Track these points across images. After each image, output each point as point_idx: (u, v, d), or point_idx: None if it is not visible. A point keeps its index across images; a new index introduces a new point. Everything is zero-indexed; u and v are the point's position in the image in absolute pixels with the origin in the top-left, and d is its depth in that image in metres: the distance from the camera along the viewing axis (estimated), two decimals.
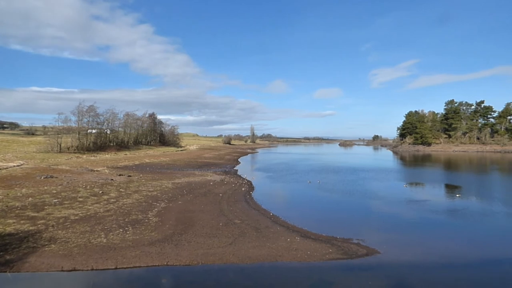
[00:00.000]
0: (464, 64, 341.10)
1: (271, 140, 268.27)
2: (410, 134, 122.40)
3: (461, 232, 15.68)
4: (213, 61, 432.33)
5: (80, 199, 19.05)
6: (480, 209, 20.54)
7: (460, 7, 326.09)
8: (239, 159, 66.65)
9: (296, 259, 11.50)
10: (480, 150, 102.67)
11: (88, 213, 16.22)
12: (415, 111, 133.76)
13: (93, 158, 48.37)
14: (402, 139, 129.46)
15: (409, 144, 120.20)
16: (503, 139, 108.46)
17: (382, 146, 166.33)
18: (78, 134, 57.56)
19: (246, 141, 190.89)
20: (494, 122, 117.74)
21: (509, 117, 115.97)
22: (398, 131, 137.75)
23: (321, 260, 11.50)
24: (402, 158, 77.01)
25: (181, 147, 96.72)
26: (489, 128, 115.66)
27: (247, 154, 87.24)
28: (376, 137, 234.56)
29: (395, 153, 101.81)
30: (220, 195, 23.26)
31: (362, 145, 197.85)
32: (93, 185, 23.65)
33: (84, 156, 49.68)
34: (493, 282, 10.04)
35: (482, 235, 15.34)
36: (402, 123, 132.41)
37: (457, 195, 25.25)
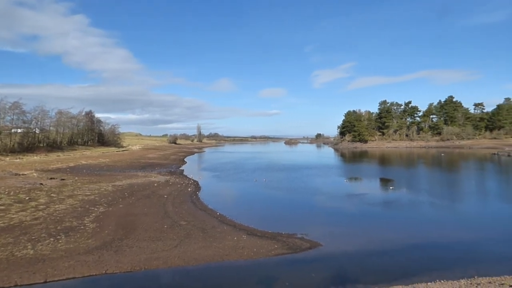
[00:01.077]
0: (395, 68, 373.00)
1: (218, 139, 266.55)
2: (349, 132, 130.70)
3: (394, 221, 17.14)
4: (156, 57, 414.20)
5: (1, 207, 16.91)
6: (409, 200, 22.67)
7: (391, 16, 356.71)
8: (185, 159, 65.07)
9: (243, 257, 11.54)
10: (409, 146, 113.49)
11: (12, 223, 14.46)
12: (353, 111, 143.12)
13: (18, 160, 43.31)
14: (342, 137, 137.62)
15: (348, 141, 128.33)
16: (427, 135, 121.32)
17: (324, 143, 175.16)
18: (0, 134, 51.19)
19: (192, 141, 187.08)
20: (420, 121, 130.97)
21: (431, 116, 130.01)
22: (339, 130, 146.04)
23: (267, 256, 11.69)
24: (342, 155, 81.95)
25: (122, 147, 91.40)
26: (415, 126, 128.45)
27: (193, 154, 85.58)
28: (319, 135, 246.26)
29: (336, 150, 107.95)
30: (165, 196, 22.44)
31: (306, 143, 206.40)
32: (18, 191, 21.16)
33: (7, 158, 44.26)
34: (420, 263, 11.11)
35: (411, 223, 16.91)
36: (342, 122, 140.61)
37: (391, 188, 27.57)
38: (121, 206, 19.07)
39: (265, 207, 21.32)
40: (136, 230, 14.33)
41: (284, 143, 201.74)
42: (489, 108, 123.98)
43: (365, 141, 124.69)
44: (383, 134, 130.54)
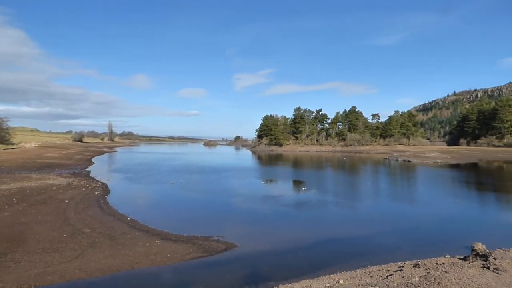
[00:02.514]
0: (309, 77, 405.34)
1: (132, 138, 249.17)
2: (266, 136, 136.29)
3: (305, 220, 18.36)
4: (60, 43, 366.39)
5: None
6: (318, 200, 24.60)
7: (308, 28, 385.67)
8: (92, 159, 59.02)
9: (156, 264, 10.91)
10: (318, 150, 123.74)
11: None
12: (271, 115, 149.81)
13: None
14: (259, 140, 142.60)
15: (266, 144, 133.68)
16: (334, 141, 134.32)
17: (242, 146, 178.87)
18: None
19: (102, 139, 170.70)
20: (328, 127, 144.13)
21: (338, 124, 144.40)
22: (257, 133, 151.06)
23: (181, 260, 11.29)
24: (260, 157, 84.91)
25: (12, 144, 78.19)
26: (324, 132, 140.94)
27: (103, 154, 78.22)
28: (237, 138, 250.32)
29: (253, 152, 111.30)
30: (66, 201, 19.91)
31: (225, 145, 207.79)
32: None
33: None
34: (325, 257, 12.10)
35: (319, 221, 18.36)
36: (260, 126, 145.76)
37: (303, 189, 29.55)
38: (7, 214, 16.22)
39: (182, 210, 20.66)
40: (27, 241, 12.34)
41: (203, 144, 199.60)
42: (383, 118, 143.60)
43: (281, 145, 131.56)
44: (297, 138, 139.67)
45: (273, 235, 14.94)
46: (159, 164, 53.86)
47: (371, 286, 6.94)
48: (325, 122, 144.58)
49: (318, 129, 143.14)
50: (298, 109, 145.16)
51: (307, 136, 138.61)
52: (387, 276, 7.75)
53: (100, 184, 28.12)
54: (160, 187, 28.97)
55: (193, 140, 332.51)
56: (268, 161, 73.31)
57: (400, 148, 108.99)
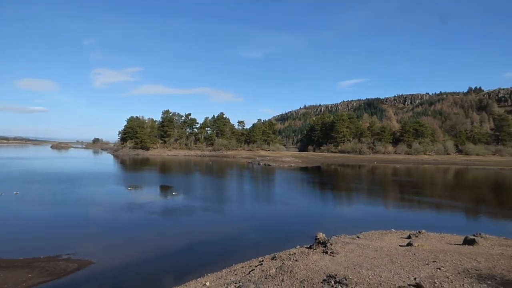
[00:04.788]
0: (180, 80, 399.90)
1: None
2: (131, 139, 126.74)
3: (173, 227, 17.91)
4: None
5: None
6: (187, 205, 24.45)
7: (177, 28, 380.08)
8: None
9: None
10: (187, 154, 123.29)
11: None
12: (137, 117, 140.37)
13: None
14: (123, 143, 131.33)
15: (130, 148, 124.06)
16: (202, 145, 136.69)
17: (102, 149, 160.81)
18: None
19: None
20: (197, 132, 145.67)
21: (207, 129, 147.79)
22: (120, 135, 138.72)
23: None
24: (123, 162, 78.13)
25: None
26: (193, 137, 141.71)
27: None
28: (96, 140, 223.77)
29: (116, 156, 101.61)
30: None
31: (80, 148, 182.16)
32: None
33: None
34: (193, 262, 12.12)
35: (188, 226, 18.26)
36: (124, 128, 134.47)
37: (173, 193, 28.77)
38: None
39: (18, 228, 16.89)
40: None
41: (51, 147, 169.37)
42: (248, 125, 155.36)
43: (147, 149, 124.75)
44: (165, 142, 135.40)
45: (136, 246, 13.96)
46: None
47: (235, 283, 7.37)
48: (194, 126, 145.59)
49: (187, 133, 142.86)
50: (167, 112, 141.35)
51: (176, 140, 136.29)
52: (250, 271, 8.39)
53: None
54: None
55: (37, 142, 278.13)
56: (133, 166, 68.17)
57: (262, 153, 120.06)
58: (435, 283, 6.52)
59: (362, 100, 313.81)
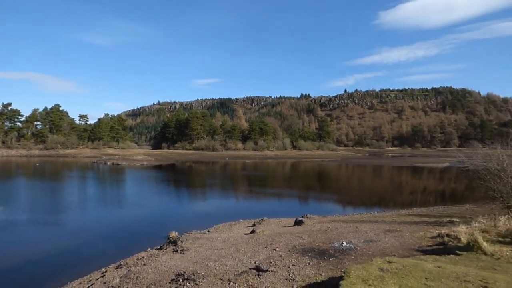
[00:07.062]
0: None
1: None
2: None
3: None
4: None
5: None
6: (7, 220, 19.48)
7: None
8: None
9: None
10: (6, 155, 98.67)
11: None
12: None
13: None
14: None
15: None
16: (29, 143, 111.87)
17: None
18: None
19: None
20: (21, 127, 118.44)
21: (36, 123, 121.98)
22: None
23: None
24: None
25: None
26: (16, 132, 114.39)
27: None
28: None
29: None
30: None
31: None
32: None
33: None
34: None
35: (9, 246, 14.57)
36: None
37: None
38: None
39: None
40: None
41: None
42: (92, 120, 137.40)
43: None
44: None
45: None
46: None
47: None
48: (16, 119, 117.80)
49: (6, 128, 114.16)
50: None
51: None
52: (88, 287, 7.43)
53: None
54: None
55: None
56: None
57: (110, 152, 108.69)
58: (271, 262, 7.47)
59: (216, 99, 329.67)
